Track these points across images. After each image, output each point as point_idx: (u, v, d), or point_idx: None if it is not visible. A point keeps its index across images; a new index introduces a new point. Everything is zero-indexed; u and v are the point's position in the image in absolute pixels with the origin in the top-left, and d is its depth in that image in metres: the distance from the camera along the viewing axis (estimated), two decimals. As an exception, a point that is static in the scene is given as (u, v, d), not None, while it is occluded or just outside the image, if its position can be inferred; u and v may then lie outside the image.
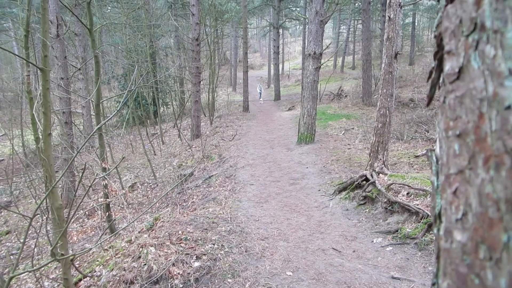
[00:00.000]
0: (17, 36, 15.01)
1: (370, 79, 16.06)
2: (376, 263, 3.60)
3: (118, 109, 4.41)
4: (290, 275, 3.34)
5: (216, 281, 3.24)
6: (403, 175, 5.30)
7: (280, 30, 23.92)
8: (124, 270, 3.27)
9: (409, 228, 4.07)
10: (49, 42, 3.92)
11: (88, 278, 3.44)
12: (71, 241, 6.57)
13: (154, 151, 12.76)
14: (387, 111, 5.74)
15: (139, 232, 4.29)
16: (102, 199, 5.45)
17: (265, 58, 40.05)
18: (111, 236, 4.51)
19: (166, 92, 18.49)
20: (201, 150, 9.74)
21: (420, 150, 8.35)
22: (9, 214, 8.65)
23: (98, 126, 3.48)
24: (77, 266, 3.43)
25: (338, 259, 3.68)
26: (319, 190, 6.13)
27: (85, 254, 4.23)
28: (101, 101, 5.19)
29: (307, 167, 7.49)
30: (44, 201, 3.79)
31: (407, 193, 4.66)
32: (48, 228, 4.97)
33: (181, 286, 3.14)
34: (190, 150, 11.07)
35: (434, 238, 0.54)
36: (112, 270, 3.35)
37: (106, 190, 5.01)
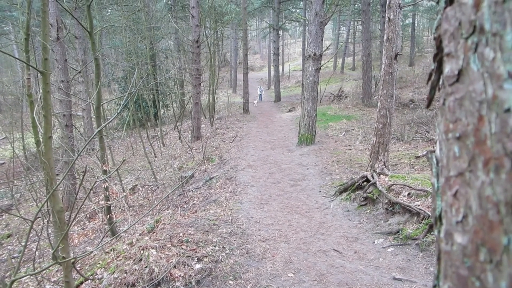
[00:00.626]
0: (18, 40, 15.03)
1: (370, 80, 16.06)
2: (378, 264, 3.59)
3: (118, 111, 4.41)
4: (291, 276, 3.33)
5: (218, 283, 3.24)
6: (404, 175, 5.29)
7: (280, 32, 23.94)
8: (126, 272, 3.27)
9: (410, 229, 4.06)
10: (49, 45, 3.93)
11: (89, 281, 3.43)
12: (72, 244, 6.58)
13: (154, 153, 12.76)
14: (388, 112, 5.74)
15: (140, 235, 4.29)
16: (103, 202, 5.45)
17: (265, 60, 40.12)
18: (112, 239, 4.50)
19: (166, 94, 18.51)
20: (202, 152, 9.74)
21: (421, 151, 8.34)
22: (10, 218, 8.66)
23: (99, 128, 3.49)
24: (78, 269, 3.43)
25: (340, 260, 3.67)
26: (320, 191, 6.13)
27: (87, 257, 4.23)
28: (101, 103, 5.20)
29: (307, 168, 7.49)
30: (45, 204, 3.79)
31: (408, 194, 4.66)
32: (49, 231, 4.96)
33: (182, 288, 3.13)
34: (190, 152, 11.07)
35: (435, 239, 0.53)
36: (114, 272, 3.35)
37: (107, 193, 5.02)
